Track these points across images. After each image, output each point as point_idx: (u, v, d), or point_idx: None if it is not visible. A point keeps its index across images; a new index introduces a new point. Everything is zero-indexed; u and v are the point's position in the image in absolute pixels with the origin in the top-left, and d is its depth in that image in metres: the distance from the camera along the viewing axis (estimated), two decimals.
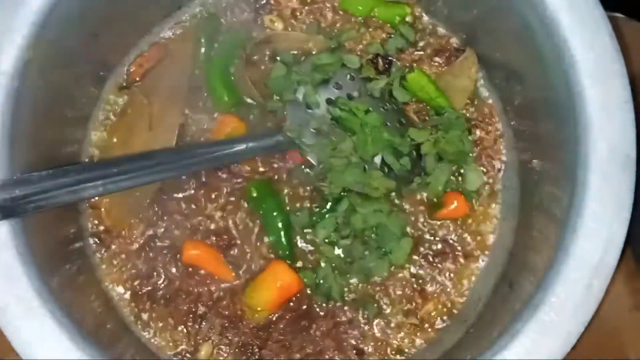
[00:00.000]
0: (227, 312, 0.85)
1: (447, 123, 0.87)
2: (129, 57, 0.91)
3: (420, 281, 0.87)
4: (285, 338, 0.84)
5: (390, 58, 0.91)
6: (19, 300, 0.67)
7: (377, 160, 0.84)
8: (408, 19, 0.92)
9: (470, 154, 0.89)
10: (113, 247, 0.87)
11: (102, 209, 0.88)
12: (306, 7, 0.93)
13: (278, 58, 0.89)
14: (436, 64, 0.92)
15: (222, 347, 0.85)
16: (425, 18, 0.94)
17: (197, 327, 0.85)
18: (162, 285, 0.86)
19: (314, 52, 0.90)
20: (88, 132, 0.89)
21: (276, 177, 0.88)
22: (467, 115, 0.91)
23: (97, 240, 0.87)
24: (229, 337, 0.85)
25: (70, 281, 0.79)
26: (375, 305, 0.86)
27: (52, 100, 0.78)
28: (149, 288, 0.86)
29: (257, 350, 0.84)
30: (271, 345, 0.84)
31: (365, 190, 0.83)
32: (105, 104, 0.90)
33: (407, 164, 0.85)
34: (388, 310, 0.86)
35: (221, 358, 0.85)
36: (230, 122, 0.88)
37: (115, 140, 0.89)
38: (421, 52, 0.92)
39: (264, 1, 0.92)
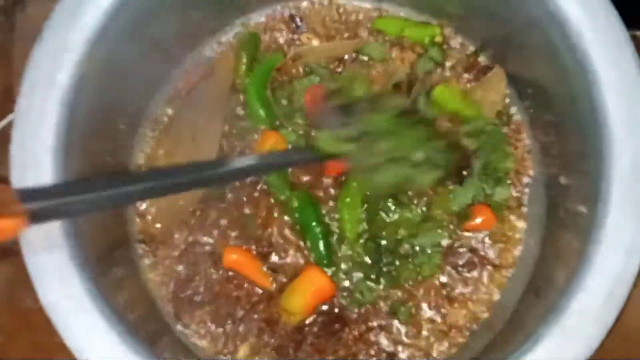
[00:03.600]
0: (264, 315, 0.89)
1: (485, 132, 0.90)
2: (175, 72, 0.95)
3: (449, 289, 0.90)
4: (318, 341, 0.88)
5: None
6: (71, 298, 0.71)
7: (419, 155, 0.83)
8: (438, 39, 0.95)
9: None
10: (158, 252, 0.91)
11: (149, 217, 0.92)
12: (342, 26, 0.97)
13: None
14: (465, 80, 0.95)
15: (259, 348, 0.88)
16: (455, 37, 0.97)
17: (235, 329, 0.89)
18: (203, 289, 0.90)
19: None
20: (136, 144, 0.94)
21: (316, 188, 0.92)
22: None
23: (143, 246, 0.92)
24: (266, 339, 0.88)
25: (118, 283, 0.83)
26: (407, 310, 0.89)
27: (103, 113, 0.82)
28: (190, 292, 0.90)
29: (292, 352, 0.88)
30: (305, 347, 0.88)
31: (409, 184, 0.81)
32: (152, 117, 0.95)
33: (451, 159, 0.83)
34: (418, 317, 0.89)
35: (258, 359, 0.88)
36: (271, 138, 0.91)
37: (160, 152, 0.94)
38: (449, 72, 0.95)
39: (301, 21, 0.97)
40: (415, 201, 0.90)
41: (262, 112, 0.93)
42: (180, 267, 0.91)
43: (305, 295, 0.86)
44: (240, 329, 0.89)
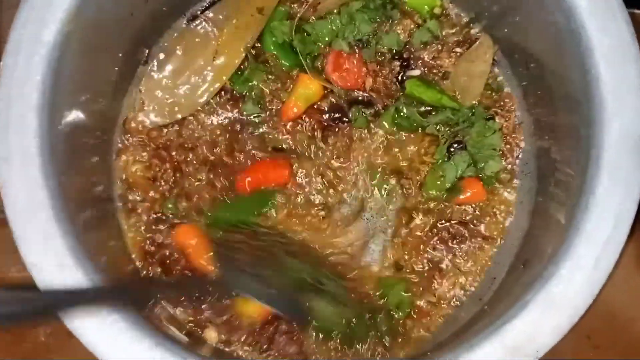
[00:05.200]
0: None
1: (468, 119, 0.90)
2: (163, 38, 0.93)
3: (439, 261, 0.90)
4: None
5: (407, 60, 0.93)
6: (53, 258, 0.70)
7: None
8: (437, 10, 0.93)
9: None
10: (138, 212, 0.90)
11: (130, 180, 0.91)
12: None
13: None
14: (457, 54, 0.93)
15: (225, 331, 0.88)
16: (452, 8, 0.95)
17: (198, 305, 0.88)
18: (171, 257, 0.89)
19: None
20: (122, 107, 0.92)
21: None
22: (488, 103, 0.93)
23: (121, 204, 0.91)
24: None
25: (100, 243, 0.82)
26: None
27: (89, 74, 0.81)
28: (160, 257, 0.89)
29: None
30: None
31: None
32: (140, 80, 0.91)
33: None
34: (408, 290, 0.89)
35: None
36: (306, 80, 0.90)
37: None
38: (441, 46, 0.93)
39: None
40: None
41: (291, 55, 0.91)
42: (152, 232, 0.90)
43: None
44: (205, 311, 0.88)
